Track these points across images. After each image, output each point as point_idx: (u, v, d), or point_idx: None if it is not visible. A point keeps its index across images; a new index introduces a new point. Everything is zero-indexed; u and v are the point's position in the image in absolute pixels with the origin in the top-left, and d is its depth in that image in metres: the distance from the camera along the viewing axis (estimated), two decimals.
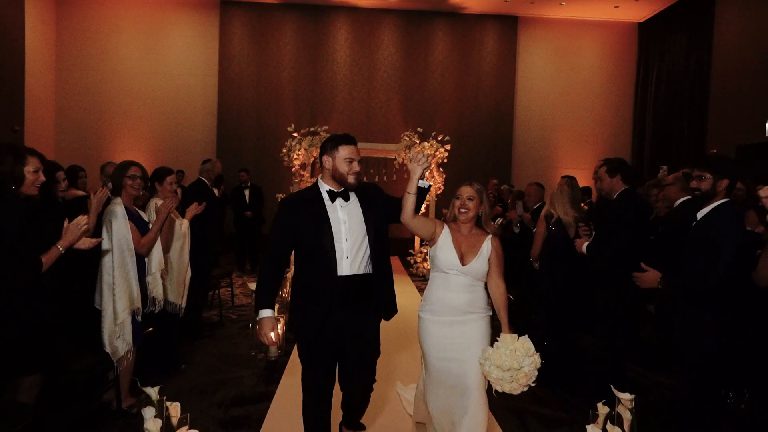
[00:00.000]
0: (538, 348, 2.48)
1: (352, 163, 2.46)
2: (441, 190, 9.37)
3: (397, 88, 11.50)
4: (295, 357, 4.48)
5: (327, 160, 2.50)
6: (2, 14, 8.68)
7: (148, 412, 2.19)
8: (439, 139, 9.24)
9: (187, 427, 2.28)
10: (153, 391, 2.27)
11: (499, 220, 7.06)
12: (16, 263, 2.48)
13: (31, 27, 9.75)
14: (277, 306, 4.74)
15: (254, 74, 11.33)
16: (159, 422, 2.17)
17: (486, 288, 2.69)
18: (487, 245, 2.64)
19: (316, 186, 2.55)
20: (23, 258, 2.51)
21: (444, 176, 9.35)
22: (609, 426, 2.37)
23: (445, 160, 9.26)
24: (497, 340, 2.49)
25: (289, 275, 6.43)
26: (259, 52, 11.32)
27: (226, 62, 11.28)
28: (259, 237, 9.07)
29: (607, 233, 3.52)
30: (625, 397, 2.39)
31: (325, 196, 2.50)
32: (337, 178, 2.49)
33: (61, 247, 2.53)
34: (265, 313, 2.43)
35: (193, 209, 4.20)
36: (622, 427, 2.36)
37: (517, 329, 2.49)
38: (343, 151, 2.46)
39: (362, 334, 2.56)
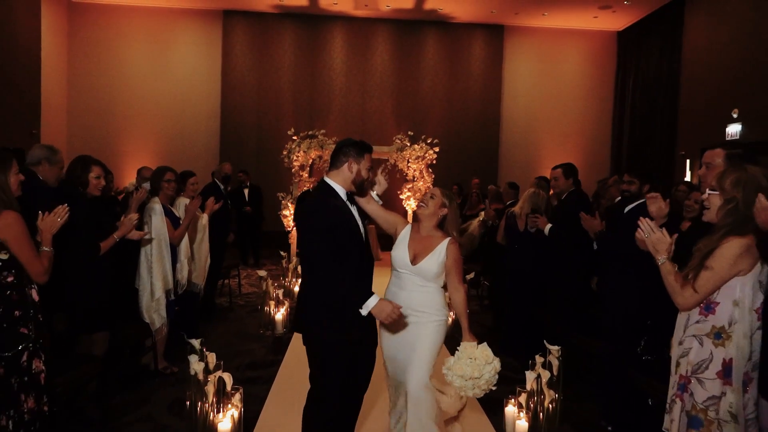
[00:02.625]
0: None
1: (370, 171, 2.57)
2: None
3: (390, 93, 12.20)
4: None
5: (352, 166, 2.49)
6: (20, 26, 9.33)
7: (193, 358, 2.92)
8: (428, 141, 9.97)
9: (221, 370, 3.01)
10: (197, 342, 3.00)
11: (481, 215, 7.83)
12: (83, 247, 3.20)
13: (46, 37, 10.39)
14: (281, 291, 5.50)
15: (255, 80, 12.01)
16: (202, 364, 2.90)
17: (444, 291, 2.74)
18: (442, 248, 2.62)
19: (331, 188, 2.50)
20: (88, 243, 3.23)
21: (433, 176, 10.08)
22: (541, 370, 3.11)
23: (434, 161, 10.00)
24: (458, 349, 2.55)
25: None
26: (260, 60, 12.00)
27: (229, 69, 11.95)
28: (259, 233, 9.75)
29: (560, 223, 4.28)
30: (554, 348, 3.14)
31: (345, 199, 2.51)
32: (357, 182, 2.53)
33: (116, 236, 3.27)
34: (375, 299, 2.32)
35: (211, 205, 4.91)
36: (551, 371, 3.10)
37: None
38: (368, 160, 2.54)
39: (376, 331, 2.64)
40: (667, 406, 2.15)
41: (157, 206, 3.92)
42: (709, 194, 2.02)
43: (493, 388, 2.53)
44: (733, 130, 8.71)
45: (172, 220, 4.09)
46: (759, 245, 1.89)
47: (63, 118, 11.62)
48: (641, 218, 2.13)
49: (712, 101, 9.32)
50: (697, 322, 1.99)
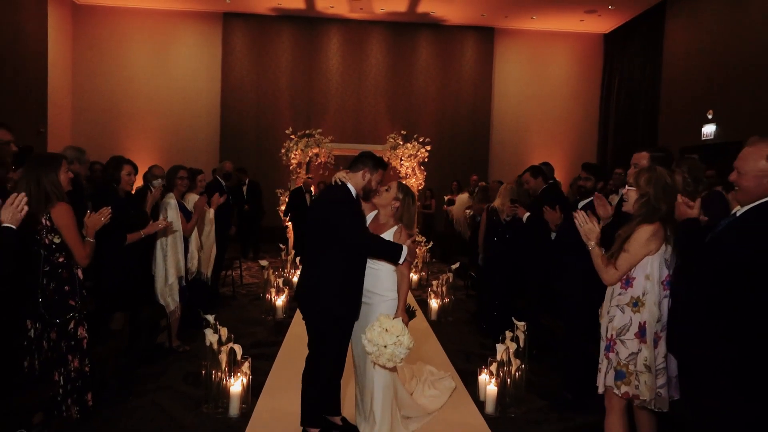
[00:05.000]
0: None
1: (379, 184, 3.04)
2: (422, 186, 10.58)
3: (384, 93, 12.63)
4: (299, 317, 5.70)
5: (366, 174, 2.96)
6: (28, 29, 9.69)
7: (209, 331, 3.38)
8: (421, 140, 10.44)
9: (232, 342, 3.48)
10: (211, 318, 3.46)
11: (468, 212, 8.32)
12: (112, 237, 3.65)
13: (52, 39, 10.74)
14: (280, 280, 5.97)
15: (254, 80, 12.42)
16: (216, 336, 3.36)
17: (395, 275, 3.03)
18: (390, 233, 2.99)
19: (346, 186, 2.95)
20: (116, 234, 3.68)
21: (425, 174, 10.56)
22: (509, 343, 3.58)
23: (426, 159, 10.46)
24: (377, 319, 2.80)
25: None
26: (259, 60, 12.42)
27: (229, 69, 12.36)
28: (259, 228, 10.16)
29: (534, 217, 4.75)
30: (520, 324, 3.61)
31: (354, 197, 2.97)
32: (365, 189, 2.98)
33: (143, 233, 3.72)
34: (405, 248, 2.88)
35: (217, 200, 5.37)
36: (518, 344, 3.58)
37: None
38: (380, 174, 3.01)
39: None
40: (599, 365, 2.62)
41: (172, 201, 4.38)
42: (627, 189, 2.50)
43: (399, 363, 2.77)
44: (708, 130, 9.20)
45: (184, 213, 4.55)
46: (675, 230, 2.37)
47: (68, 116, 12.01)
48: (575, 212, 2.61)
49: (689, 103, 9.80)
50: (619, 294, 2.47)
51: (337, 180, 2.97)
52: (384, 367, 2.90)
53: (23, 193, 2.15)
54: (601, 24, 12.38)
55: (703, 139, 9.31)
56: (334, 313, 2.87)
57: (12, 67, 9.12)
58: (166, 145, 12.16)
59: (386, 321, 2.77)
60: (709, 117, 9.17)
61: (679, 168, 3.27)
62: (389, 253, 2.89)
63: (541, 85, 13.06)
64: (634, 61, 11.75)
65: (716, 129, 9.05)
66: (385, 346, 2.68)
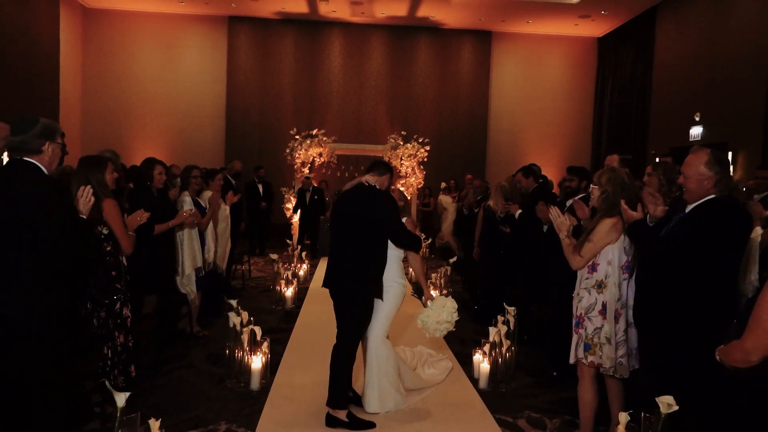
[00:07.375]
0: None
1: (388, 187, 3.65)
2: (421, 185, 10.99)
3: (384, 94, 13.02)
4: (307, 306, 6.14)
5: (389, 179, 3.54)
6: (40, 33, 10.04)
7: (232, 314, 3.79)
8: (420, 140, 10.84)
9: (252, 324, 3.88)
10: (233, 302, 3.86)
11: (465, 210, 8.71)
12: (147, 229, 4.04)
13: (63, 42, 11.06)
14: (289, 272, 6.36)
15: (258, 82, 12.80)
16: (239, 318, 3.77)
17: (401, 263, 3.56)
18: None
19: (375, 186, 3.45)
20: (146, 225, 4.07)
21: (424, 173, 10.96)
22: (500, 326, 3.98)
23: (425, 159, 10.86)
24: (431, 302, 3.40)
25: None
26: (263, 62, 12.80)
27: (234, 71, 12.75)
28: (268, 226, 10.53)
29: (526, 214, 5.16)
30: (511, 308, 4.02)
31: None
32: (385, 190, 3.57)
33: (171, 223, 4.12)
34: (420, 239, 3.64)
35: (231, 198, 5.76)
36: (508, 326, 3.98)
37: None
38: (392, 181, 3.64)
39: None
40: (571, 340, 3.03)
41: (187, 198, 4.79)
42: (592, 187, 2.93)
43: (453, 329, 3.41)
44: (696, 131, 9.60)
45: (200, 209, 4.94)
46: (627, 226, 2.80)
47: (78, 117, 12.38)
48: (551, 206, 3.02)
49: (678, 105, 10.21)
50: (587, 278, 2.90)
51: (368, 182, 3.43)
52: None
53: (89, 186, 2.55)
54: (594, 28, 12.78)
55: (691, 140, 9.70)
56: (365, 292, 3.29)
57: (25, 69, 9.46)
58: (173, 145, 12.52)
59: (443, 302, 3.36)
60: (697, 119, 9.58)
61: (655, 171, 3.69)
62: (415, 243, 3.51)
63: (537, 86, 13.45)
64: (626, 64, 12.16)
65: (703, 130, 9.45)
66: (449, 321, 3.31)
